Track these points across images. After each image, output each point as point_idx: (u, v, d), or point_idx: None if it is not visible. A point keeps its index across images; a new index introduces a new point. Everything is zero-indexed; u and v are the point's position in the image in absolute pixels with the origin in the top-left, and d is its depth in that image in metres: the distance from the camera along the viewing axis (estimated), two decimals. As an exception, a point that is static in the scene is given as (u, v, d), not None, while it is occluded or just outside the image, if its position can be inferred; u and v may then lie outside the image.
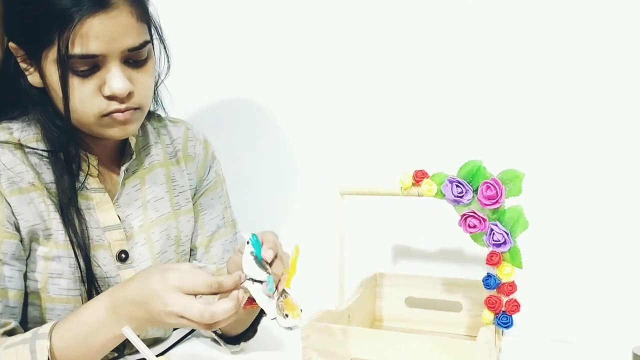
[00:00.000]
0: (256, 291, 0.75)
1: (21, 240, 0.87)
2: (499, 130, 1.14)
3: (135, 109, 0.88)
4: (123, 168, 0.96)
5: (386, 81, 1.21)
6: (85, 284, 0.91)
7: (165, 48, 0.97)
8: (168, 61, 0.97)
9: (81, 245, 0.90)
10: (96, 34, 0.81)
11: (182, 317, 0.74)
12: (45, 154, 0.89)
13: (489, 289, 0.92)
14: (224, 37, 1.31)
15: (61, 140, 0.89)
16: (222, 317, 0.73)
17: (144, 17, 0.88)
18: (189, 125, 1.10)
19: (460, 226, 0.93)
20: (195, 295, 0.75)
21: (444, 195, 0.94)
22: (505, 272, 0.91)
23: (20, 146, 0.89)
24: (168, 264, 0.83)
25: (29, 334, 0.81)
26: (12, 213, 0.86)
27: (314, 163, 1.28)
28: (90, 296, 0.91)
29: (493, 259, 0.91)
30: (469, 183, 0.92)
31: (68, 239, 0.89)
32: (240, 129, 1.32)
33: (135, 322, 0.77)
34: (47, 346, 0.78)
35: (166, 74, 0.98)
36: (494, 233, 0.90)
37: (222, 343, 1.04)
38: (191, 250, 1.08)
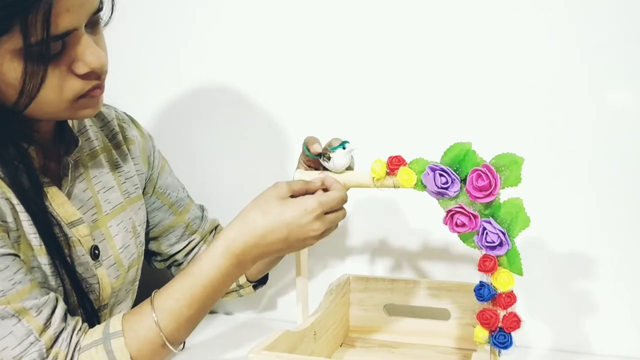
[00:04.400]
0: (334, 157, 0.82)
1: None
2: (491, 107, 0.99)
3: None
4: (71, 159, 0.82)
5: (355, 57, 1.05)
6: (75, 295, 0.79)
7: None
8: (112, 7, 0.77)
9: (60, 249, 0.77)
10: (67, 6, 0.66)
11: (329, 220, 0.79)
12: None
13: (482, 301, 0.76)
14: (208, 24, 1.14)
15: (3, 134, 0.73)
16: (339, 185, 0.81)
17: None
18: (115, 108, 0.96)
19: (446, 224, 0.76)
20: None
21: (425, 187, 0.78)
22: (502, 281, 0.75)
23: None
24: (267, 196, 0.79)
25: (98, 331, 0.75)
26: None
27: (277, 149, 1.11)
28: (83, 304, 0.80)
29: (486, 265, 0.75)
30: (455, 171, 0.77)
31: (42, 243, 0.75)
32: (216, 118, 1.16)
33: (265, 257, 0.79)
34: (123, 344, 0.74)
35: (105, 24, 0.79)
36: (487, 233, 0.74)
37: (243, 292, 1.03)
38: (164, 232, 1.01)
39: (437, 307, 0.98)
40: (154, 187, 0.99)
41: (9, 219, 0.72)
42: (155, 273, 1.03)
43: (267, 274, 1.04)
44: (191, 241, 1.02)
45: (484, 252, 0.75)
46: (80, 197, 0.83)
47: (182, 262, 1.03)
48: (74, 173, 0.83)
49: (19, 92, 0.68)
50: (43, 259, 0.75)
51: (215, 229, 1.05)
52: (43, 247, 0.75)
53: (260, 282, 1.03)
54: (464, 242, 0.77)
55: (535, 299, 0.97)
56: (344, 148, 0.82)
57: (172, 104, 1.16)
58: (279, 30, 1.08)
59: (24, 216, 0.73)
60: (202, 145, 1.16)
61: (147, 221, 0.98)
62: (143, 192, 0.97)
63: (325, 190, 0.81)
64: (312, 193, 0.80)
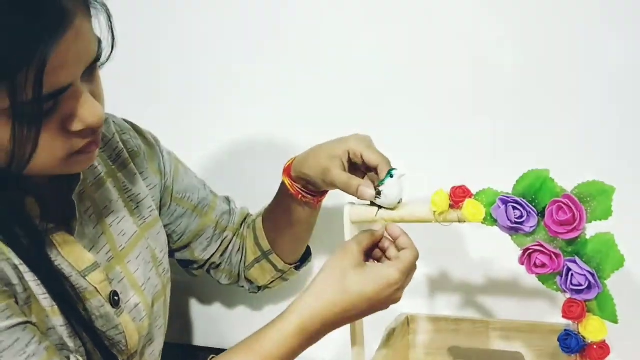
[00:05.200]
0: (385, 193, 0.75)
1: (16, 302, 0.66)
2: (569, 126, 0.88)
3: None
4: (74, 197, 0.74)
5: (402, 70, 0.96)
6: (98, 351, 0.72)
7: (111, 24, 0.68)
8: (112, 44, 0.67)
9: (74, 308, 0.70)
10: (62, 61, 0.58)
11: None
12: None
13: (568, 352, 0.66)
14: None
15: None
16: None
17: (88, 8, 0.63)
18: (112, 117, 0.87)
19: (523, 264, 0.67)
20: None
21: (496, 221, 0.69)
22: (592, 329, 0.65)
23: None
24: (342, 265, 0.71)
25: None
26: None
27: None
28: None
29: (573, 311, 0.65)
30: (531, 203, 0.67)
31: (55, 303, 0.68)
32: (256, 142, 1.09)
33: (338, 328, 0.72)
34: None
35: (107, 59, 0.68)
36: (572, 274, 0.64)
37: (287, 276, 0.98)
38: (194, 237, 0.94)
39: (509, 351, 0.88)
40: (172, 195, 0.91)
41: (14, 281, 0.65)
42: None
43: (309, 247, 0.98)
44: (224, 239, 0.95)
45: (568, 295, 0.65)
46: (90, 237, 0.76)
47: (220, 263, 0.96)
48: (81, 208, 0.75)
49: (10, 157, 0.60)
50: (57, 320, 0.68)
51: (246, 218, 0.98)
52: (56, 307, 0.68)
53: (303, 260, 0.97)
54: (543, 283, 0.67)
55: (629, 343, 0.85)
56: (391, 177, 0.74)
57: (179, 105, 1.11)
58: (306, 37, 1.00)
59: (29, 276, 0.66)
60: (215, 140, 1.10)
61: (174, 231, 0.92)
62: (161, 203, 0.89)
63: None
64: (379, 241, 0.74)
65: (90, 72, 0.64)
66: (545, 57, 0.88)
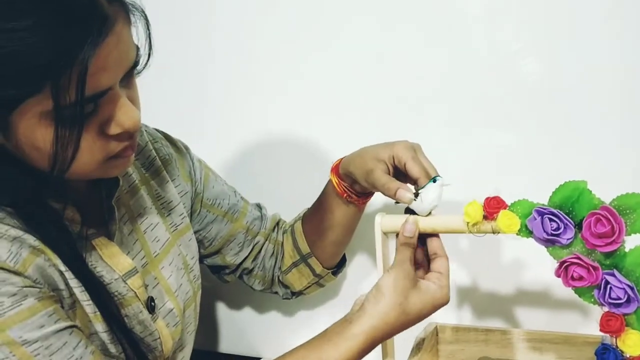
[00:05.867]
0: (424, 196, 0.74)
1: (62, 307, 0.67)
2: (604, 136, 0.88)
3: None
4: (114, 202, 0.75)
5: (430, 80, 0.96)
6: (137, 357, 0.74)
7: (149, 32, 0.69)
8: (149, 52, 0.68)
9: (115, 315, 0.72)
10: (103, 65, 0.59)
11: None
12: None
13: None
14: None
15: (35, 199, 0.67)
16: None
17: (129, 15, 0.64)
18: (145, 126, 0.88)
19: (559, 277, 0.66)
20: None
21: (532, 233, 0.68)
22: (631, 344, 0.63)
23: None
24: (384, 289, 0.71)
25: None
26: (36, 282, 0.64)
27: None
28: None
29: (611, 325, 0.64)
30: (568, 215, 0.66)
31: (97, 310, 0.69)
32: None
33: None
34: None
35: (144, 67, 0.69)
36: (611, 287, 0.63)
37: (324, 281, 0.98)
38: (225, 243, 0.94)
39: (540, 362, 0.87)
40: (202, 201, 0.92)
41: (61, 286, 0.66)
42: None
43: (344, 254, 0.98)
44: (255, 244, 0.95)
45: (606, 309, 0.64)
46: (126, 243, 0.77)
47: (253, 269, 0.96)
48: (118, 216, 0.76)
49: (52, 160, 0.60)
50: (99, 326, 0.69)
51: (278, 223, 0.98)
52: (98, 313, 0.69)
53: (339, 266, 0.97)
54: (580, 296, 0.66)
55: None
56: (434, 182, 0.74)
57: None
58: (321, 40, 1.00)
59: (74, 282, 0.67)
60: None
61: (205, 237, 0.92)
62: (192, 210, 0.90)
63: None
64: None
65: (128, 77, 0.65)
66: (575, 66, 0.87)
